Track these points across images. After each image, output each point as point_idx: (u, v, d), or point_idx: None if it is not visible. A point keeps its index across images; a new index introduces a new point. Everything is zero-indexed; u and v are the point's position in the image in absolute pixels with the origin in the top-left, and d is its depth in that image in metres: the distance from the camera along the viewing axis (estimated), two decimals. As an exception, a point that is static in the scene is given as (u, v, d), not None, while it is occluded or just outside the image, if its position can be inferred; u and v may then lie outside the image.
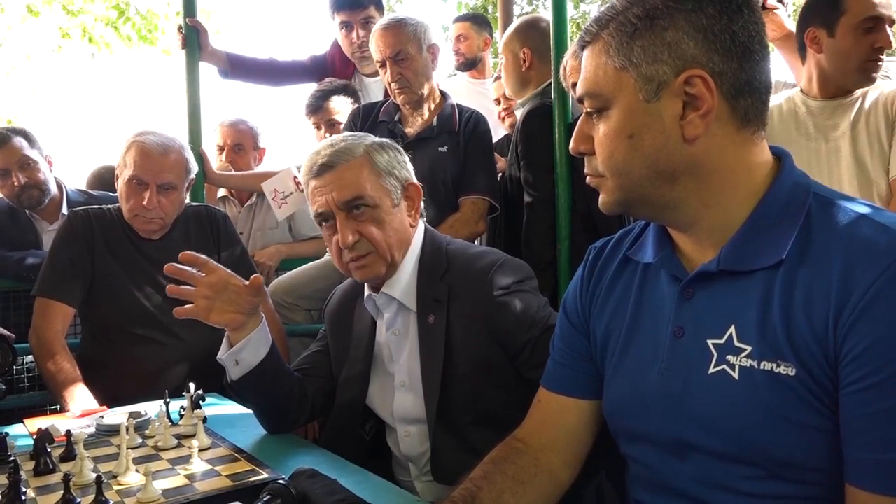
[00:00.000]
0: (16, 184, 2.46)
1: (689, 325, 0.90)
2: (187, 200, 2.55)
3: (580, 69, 2.24)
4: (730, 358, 0.85)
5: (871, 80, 1.97)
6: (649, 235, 1.00)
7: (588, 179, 0.96)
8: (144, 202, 1.94)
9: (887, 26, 1.92)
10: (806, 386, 0.79)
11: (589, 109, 0.91)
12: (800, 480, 0.81)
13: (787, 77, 2.55)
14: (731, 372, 0.84)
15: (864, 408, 0.75)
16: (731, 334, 0.85)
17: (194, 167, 2.11)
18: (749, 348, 0.83)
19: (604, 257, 1.08)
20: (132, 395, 1.78)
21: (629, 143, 0.86)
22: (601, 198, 0.94)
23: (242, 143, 3.04)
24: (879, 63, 1.94)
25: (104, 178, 3.12)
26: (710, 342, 0.87)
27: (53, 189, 2.56)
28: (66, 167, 2.77)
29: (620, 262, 1.04)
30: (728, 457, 0.85)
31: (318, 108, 2.82)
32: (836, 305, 0.77)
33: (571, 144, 0.96)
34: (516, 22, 2.67)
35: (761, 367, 0.82)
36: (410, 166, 1.51)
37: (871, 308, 0.74)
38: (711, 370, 0.86)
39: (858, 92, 2.00)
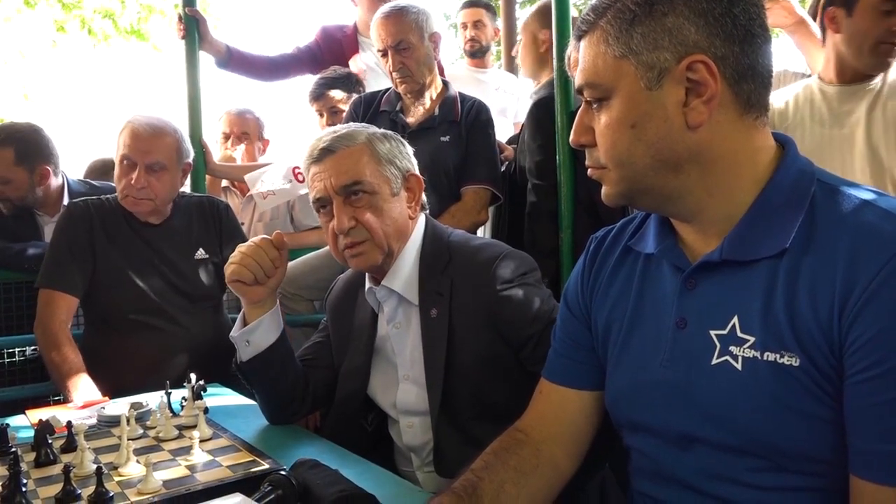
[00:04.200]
0: None
1: (692, 315, 0.89)
2: (187, 190, 2.55)
3: None
4: (733, 349, 0.84)
5: (886, 65, 1.92)
6: (651, 225, 0.99)
7: (589, 172, 0.94)
8: (133, 181, 1.96)
9: None
10: (810, 376, 0.78)
11: (589, 100, 0.89)
12: (804, 471, 0.81)
13: (797, 67, 2.53)
14: (734, 363, 0.83)
15: (870, 398, 0.74)
16: (733, 325, 0.84)
17: (189, 151, 2.11)
18: (752, 339, 0.82)
19: (605, 247, 1.07)
20: (135, 384, 1.79)
21: (632, 132, 0.85)
22: (604, 190, 0.92)
23: (248, 133, 3.05)
24: (891, 48, 1.88)
25: (98, 171, 3.10)
26: (712, 333, 0.86)
27: (33, 201, 2.49)
28: (67, 158, 2.71)
29: (622, 252, 1.03)
30: (731, 448, 0.84)
31: (320, 95, 2.83)
32: (841, 294, 0.76)
33: (571, 137, 0.93)
34: (539, 3, 2.64)
35: (765, 358, 0.81)
36: (413, 159, 1.49)
37: (877, 297, 0.73)
38: (714, 361, 0.85)
39: (878, 78, 1.93)
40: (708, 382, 0.86)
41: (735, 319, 0.84)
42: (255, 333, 1.40)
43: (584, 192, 2.20)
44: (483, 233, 2.61)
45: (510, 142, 2.85)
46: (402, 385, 1.45)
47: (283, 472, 0.99)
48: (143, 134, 1.99)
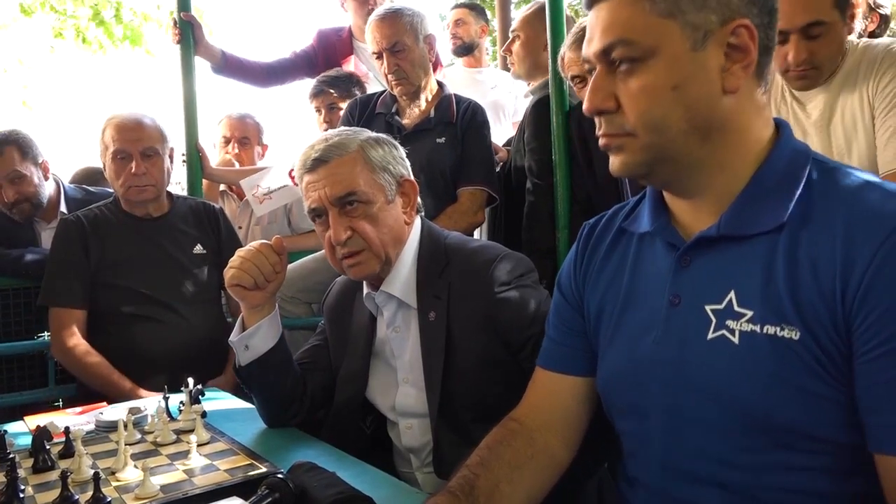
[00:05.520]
0: (6, 199, 2.42)
1: (687, 292, 0.88)
2: (185, 193, 2.57)
3: (578, 61, 2.19)
4: (729, 323, 0.83)
5: (810, 86, 1.80)
6: (645, 206, 0.99)
7: (605, 141, 0.89)
8: (133, 171, 2.04)
9: (800, 35, 1.68)
10: (810, 351, 0.77)
11: (618, 59, 0.84)
12: (802, 449, 0.80)
13: None
14: (730, 337, 0.83)
15: (884, 373, 0.73)
16: (730, 299, 0.84)
17: (170, 136, 2.19)
18: (750, 313, 0.82)
19: (598, 232, 1.07)
20: (137, 377, 1.89)
21: (673, 95, 0.82)
22: (622, 159, 0.87)
23: (249, 137, 3.06)
24: (804, 72, 1.73)
25: (81, 181, 3.10)
26: (708, 308, 0.85)
27: (46, 198, 2.50)
28: (62, 165, 2.73)
29: (615, 234, 1.03)
30: (727, 427, 0.83)
31: (319, 92, 2.85)
32: (843, 273, 0.76)
33: (589, 103, 0.87)
34: (541, 2, 2.59)
35: (764, 332, 0.80)
36: (407, 162, 1.48)
37: (881, 275, 0.73)
38: (710, 336, 0.84)
39: (837, 75, 1.79)
40: (703, 358, 0.85)
41: (732, 294, 0.84)
42: (254, 338, 1.39)
43: (582, 192, 2.20)
44: (479, 234, 2.61)
45: (510, 142, 2.84)
46: (402, 388, 1.45)
47: (280, 476, 0.99)
48: (129, 125, 2.08)
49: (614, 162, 0.89)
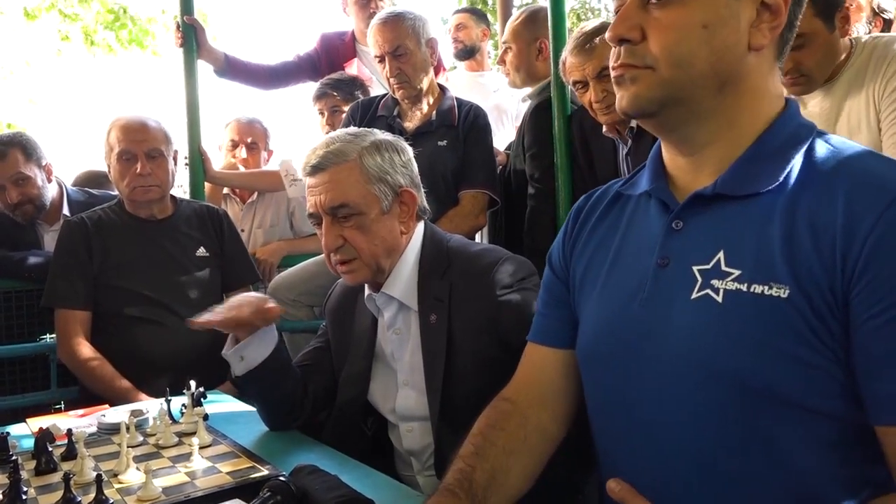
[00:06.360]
0: (9, 200, 2.42)
1: (676, 254, 0.88)
2: (187, 196, 2.57)
3: (580, 66, 2.20)
4: (714, 282, 0.82)
5: (799, 93, 1.80)
6: (644, 171, 0.99)
7: (620, 71, 0.87)
8: (138, 171, 2.06)
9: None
10: (799, 311, 0.76)
11: None
12: (792, 421, 0.77)
13: None
14: (714, 296, 0.81)
15: (889, 342, 0.72)
16: (718, 259, 0.83)
17: (174, 138, 2.20)
18: (738, 272, 0.81)
19: (590, 204, 1.07)
20: (140, 382, 1.89)
21: (702, 33, 0.82)
22: (634, 90, 0.86)
23: (256, 142, 3.07)
24: (794, 80, 1.74)
25: (83, 184, 3.11)
26: (695, 268, 0.85)
27: (49, 200, 2.51)
28: (66, 168, 2.74)
29: (611, 200, 1.03)
30: (712, 396, 0.80)
31: (322, 94, 2.86)
32: (844, 237, 0.75)
33: (613, 31, 0.86)
34: (528, 11, 2.61)
35: (750, 290, 0.79)
36: (413, 166, 1.48)
37: (885, 240, 0.73)
38: (694, 296, 0.83)
39: (841, 77, 1.79)
40: (684, 318, 0.83)
41: (721, 254, 0.83)
42: (248, 349, 1.39)
43: (583, 194, 2.20)
44: (480, 238, 2.61)
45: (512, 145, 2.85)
46: (402, 391, 1.45)
47: (282, 478, 0.99)
48: (134, 126, 2.10)
49: (624, 96, 0.88)
